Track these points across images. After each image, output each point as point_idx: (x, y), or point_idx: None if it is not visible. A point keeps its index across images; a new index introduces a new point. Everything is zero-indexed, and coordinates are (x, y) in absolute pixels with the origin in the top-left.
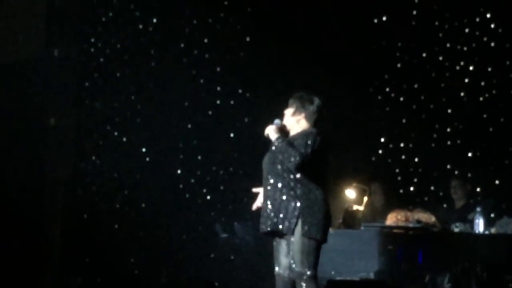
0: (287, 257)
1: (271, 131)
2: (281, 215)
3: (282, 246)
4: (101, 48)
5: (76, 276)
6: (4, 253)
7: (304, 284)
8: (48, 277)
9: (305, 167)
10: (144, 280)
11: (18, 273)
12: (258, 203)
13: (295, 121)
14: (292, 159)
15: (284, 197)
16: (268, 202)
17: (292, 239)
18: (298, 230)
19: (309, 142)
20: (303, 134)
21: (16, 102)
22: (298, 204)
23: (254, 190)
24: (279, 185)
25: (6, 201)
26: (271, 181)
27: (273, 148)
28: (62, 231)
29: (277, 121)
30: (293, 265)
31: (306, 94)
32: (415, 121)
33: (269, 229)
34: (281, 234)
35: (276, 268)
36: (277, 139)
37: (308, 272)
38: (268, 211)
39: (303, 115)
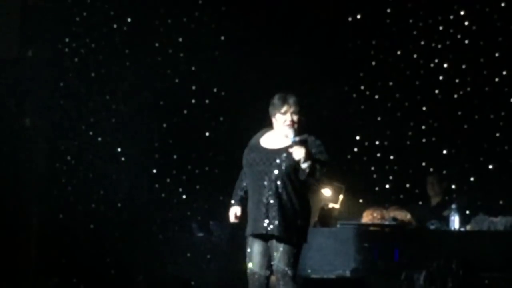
0: (264, 256)
1: (303, 157)
2: (288, 223)
3: (259, 245)
4: (75, 48)
5: (52, 277)
6: None
7: (285, 283)
8: (24, 278)
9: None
10: (120, 280)
11: None
12: (235, 213)
13: (300, 127)
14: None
15: (289, 203)
16: (275, 206)
17: (281, 240)
18: (298, 235)
19: (327, 155)
20: (317, 146)
21: None
22: (301, 211)
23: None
24: (284, 190)
25: None
26: (276, 183)
27: (306, 171)
28: (38, 231)
29: (293, 137)
30: (278, 264)
31: (292, 95)
32: (390, 118)
33: (276, 234)
34: (270, 237)
35: (250, 267)
36: (313, 165)
37: (291, 272)
38: (276, 215)
39: (303, 119)
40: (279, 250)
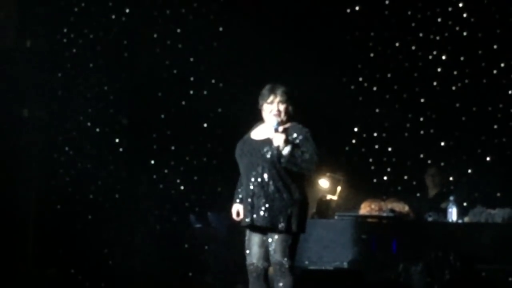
0: (261, 247)
1: (282, 143)
2: (276, 212)
3: (257, 236)
4: (73, 39)
5: (49, 267)
6: None
7: (282, 274)
8: (21, 268)
9: None
10: (118, 271)
11: None
12: (237, 211)
13: (287, 116)
14: (310, 167)
15: (277, 193)
16: (260, 197)
17: (274, 231)
18: (292, 225)
19: (313, 143)
20: (304, 134)
21: None
22: (291, 200)
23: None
24: (271, 180)
25: None
26: (262, 174)
27: (285, 158)
28: (36, 222)
29: (275, 124)
30: (274, 255)
31: (281, 85)
32: (388, 110)
33: (263, 225)
34: (267, 228)
35: (249, 258)
36: (291, 152)
37: (288, 263)
38: (261, 205)
39: (291, 108)
40: (273, 241)
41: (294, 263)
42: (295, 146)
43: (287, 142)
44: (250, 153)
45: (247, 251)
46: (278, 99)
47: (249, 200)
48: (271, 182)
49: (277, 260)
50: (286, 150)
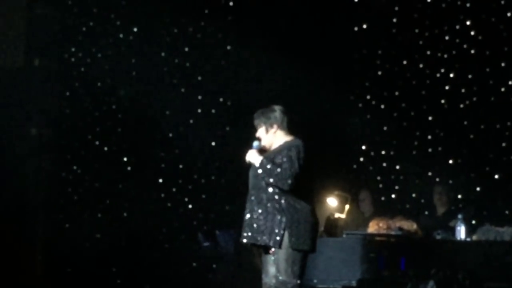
0: (273, 265)
1: (252, 156)
2: (267, 230)
3: (269, 255)
4: (81, 58)
5: (58, 286)
6: None
7: None
8: None
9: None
10: None
11: None
12: None
13: (272, 136)
14: (284, 181)
15: (269, 211)
16: (253, 215)
17: (279, 249)
18: (285, 241)
19: (293, 157)
20: (286, 148)
21: None
22: (284, 218)
23: None
24: (264, 198)
25: None
26: (255, 194)
27: (260, 172)
28: (43, 240)
29: (255, 143)
30: (278, 274)
31: (263, 108)
32: (396, 128)
33: (255, 242)
34: (265, 247)
35: (263, 277)
36: (261, 163)
37: (293, 282)
38: (254, 224)
39: (275, 126)
40: (278, 260)
41: (302, 282)
42: (272, 161)
43: (254, 158)
44: (253, 174)
45: (262, 269)
46: (256, 125)
47: (244, 219)
48: (263, 200)
49: (281, 279)
50: (257, 161)
